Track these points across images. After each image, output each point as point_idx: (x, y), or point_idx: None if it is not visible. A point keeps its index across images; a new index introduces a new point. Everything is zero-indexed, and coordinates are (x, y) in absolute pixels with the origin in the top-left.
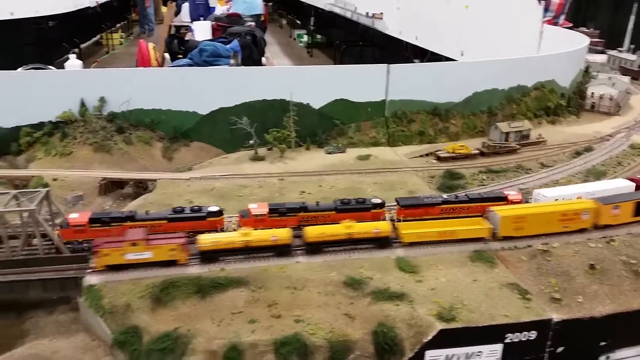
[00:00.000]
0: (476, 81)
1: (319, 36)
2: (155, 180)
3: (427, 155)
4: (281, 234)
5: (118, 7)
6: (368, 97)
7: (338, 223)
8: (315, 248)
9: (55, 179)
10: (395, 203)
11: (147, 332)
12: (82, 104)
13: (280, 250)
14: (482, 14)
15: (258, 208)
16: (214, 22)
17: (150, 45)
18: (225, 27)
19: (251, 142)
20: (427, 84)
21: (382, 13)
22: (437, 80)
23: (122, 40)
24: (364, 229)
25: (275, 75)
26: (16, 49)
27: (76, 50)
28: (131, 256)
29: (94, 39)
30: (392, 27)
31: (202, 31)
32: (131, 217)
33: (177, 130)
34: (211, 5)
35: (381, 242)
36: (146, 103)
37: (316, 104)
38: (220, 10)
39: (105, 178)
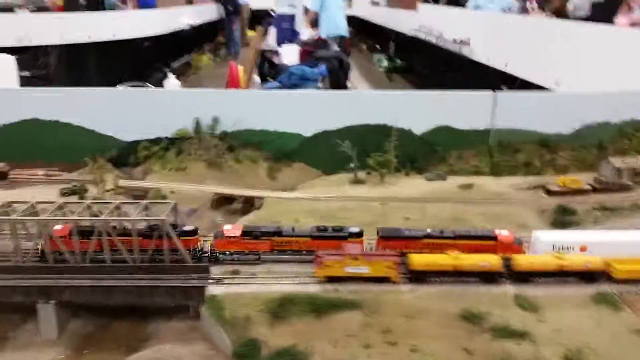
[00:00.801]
0: (587, 113)
1: (399, 61)
2: (262, 197)
3: (535, 188)
4: (493, 260)
5: (206, 30)
6: (471, 124)
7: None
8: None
9: (172, 192)
10: (376, 233)
11: (266, 346)
12: (197, 123)
13: (488, 277)
14: (584, 41)
15: (232, 230)
16: (301, 47)
17: (240, 67)
18: (312, 51)
19: (352, 165)
20: (535, 114)
21: (469, 39)
22: (546, 110)
23: (209, 61)
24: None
25: (378, 99)
26: (114, 67)
27: (173, 68)
28: (350, 269)
29: (184, 59)
30: (479, 53)
31: (289, 55)
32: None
33: (282, 151)
34: (297, 29)
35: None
36: (255, 124)
37: (417, 130)
38: (306, 35)
39: (218, 193)
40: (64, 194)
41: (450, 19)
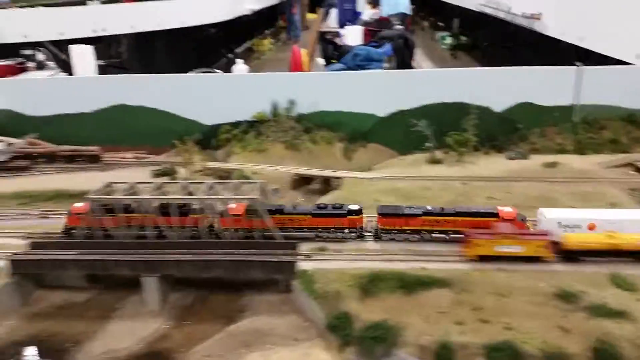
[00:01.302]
0: None
1: (463, 38)
2: (340, 178)
3: (623, 165)
4: None
5: (267, 15)
6: (554, 100)
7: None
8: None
9: (254, 173)
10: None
11: (357, 320)
12: (274, 106)
13: None
14: None
15: (235, 208)
16: (364, 27)
17: (303, 50)
18: (375, 31)
19: (428, 144)
20: (622, 89)
21: (541, 13)
22: (633, 85)
23: (270, 46)
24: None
25: (455, 77)
26: (182, 53)
27: (236, 53)
28: (502, 248)
29: (246, 44)
30: (552, 27)
31: (353, 36)
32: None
33: (356, 132)
34: (358, 10)
35: None
36: (330, 105)
37: (497, 107)
38: (367, 15)
39: (298, 174)
40: (155, 175)
41: None
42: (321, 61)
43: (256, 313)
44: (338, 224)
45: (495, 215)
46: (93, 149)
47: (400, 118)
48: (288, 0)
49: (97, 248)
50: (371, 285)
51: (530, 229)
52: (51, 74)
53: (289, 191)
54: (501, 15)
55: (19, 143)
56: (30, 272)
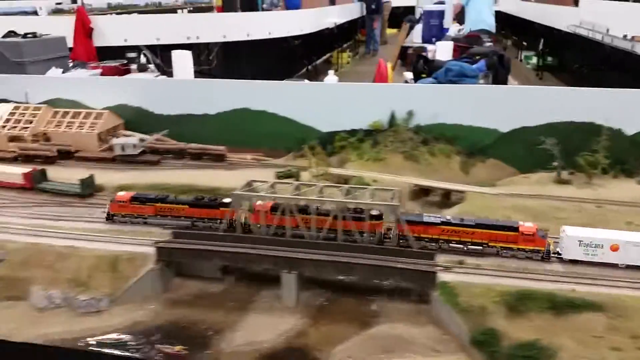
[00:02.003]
0: None
1: (549, 58)
2: (461, 191)
3: None
4: None
5: (348, 29)
6: None
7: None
8: None
9: (375, 181)
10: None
11: (506, 337)
12: (392, 116)
13: None
14: None
15: (262, 205)
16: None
17: (389, 63)
18: (464, 47)
19: (555, 164)
20: None
21: None
22: None
23: (349, 59)
24: None
25: (584, 96)
26: (266, 63)
27: (316, 64)
28: None
29: (325, 57)
30: None
31: (443, 51)
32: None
33: (475, 146)
34: (445, 26)
35: None
36: (449, 118)
37: (629, 130)
38: (453, 31)
39: (417, 185)
40: (279, 176)
41: (621, 14)
42: (409, 75)
43: (391, 320)
44: (360, 228)
45: (515, 229)
46: (220, 148)
47: (523, 135)
48: (369, 15)
49: (236, 241)
50: (519, 303)
51: (550, 245)
52: (153, 77)
53: (407, 202)
54: (597, 37)
55: (150, 139)
56: (174, 260)
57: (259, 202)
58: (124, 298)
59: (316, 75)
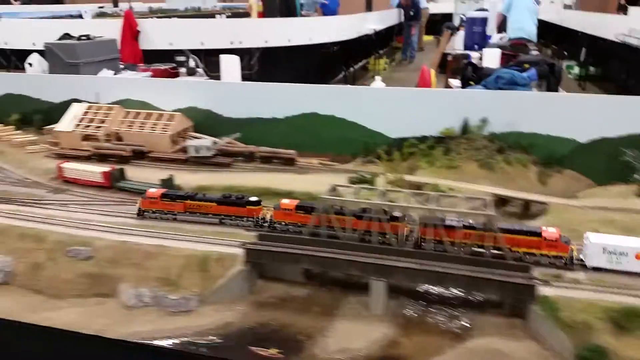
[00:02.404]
0: None
1: (592, 68)
2: (543, 203)
3: None
4: None
5: (384, 35)
6: None
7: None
8: None
9: (450, 189)
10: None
11: (615, 356)
12: (466, 123)
13: None
14: None
15: (288, 203)
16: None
17: (432, 71)
18: (509, 55)
19: (637, 177)
20: None
21: None
22: None
23: (385, 65)
24: None
25: None
26: (304, 68)
27: (352, 71)
28: None
29: (361, 63)
30: None
31: (490, 59)
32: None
33: (552, 156)
34: (488, 34)
35: None
36: (525, 126)
37: None
38: (495, 39)
39: (495, 194)
40: (353, 182)
41: None
42: (456, 82)
43: (486, 334)
44: (381, 229)
45: (538, 234)
46: (290, 152)
47: (602, 145)
48: (407, 22)
49: (322, 246)
50: (626, 320)
51: (574, 251)
52: (202, 80)
53: None
54: None
55: (222, 142)
56: (262, 262)
57: (284, 201)
58: (212, 298)
59: (353, 81)
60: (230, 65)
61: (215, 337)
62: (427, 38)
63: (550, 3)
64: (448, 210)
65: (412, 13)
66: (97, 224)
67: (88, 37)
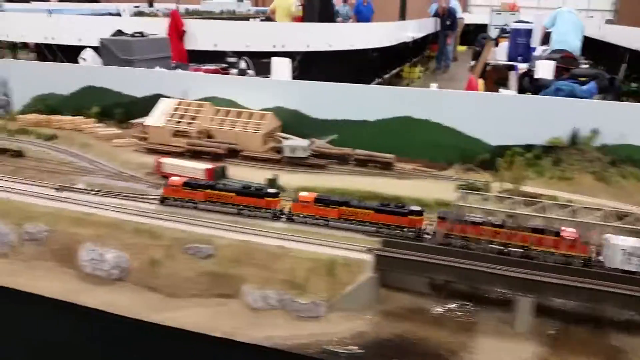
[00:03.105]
0: None
1: (633, 84)
2: None
3: None
4: None
5: (419, 44)
6: None
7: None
8: None
9: (569, 201)
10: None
11: None
12: (575, 133)
13: None
14: None
15: (306, 195)
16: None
17: (480, 81)
18: (560, 68)
19: None
20: None
21: None
22: None
23: (420, 73)
24: None
25: None
26: (341, 74)
27: (386, 78)
28: None
29: (395, 71)
30: None
31: (544, 71)
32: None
33: None
34: (532, 45)
35: None
36: (637, 139)
37: None
38: (539, 51)
39: (617, 209)
40: (459, 189)
41: None
42: (508, 92)
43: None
44: (397, 222)
45: (557, 234)
46: (388, 156)
47: None
48: (443, 31)
49: (453, 256)
50: None
51: (593, 252)
52: (291, 80)
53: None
54: None
55: (318, 143)
56: (393, 270)
57: (302, 193)
58: (340, 305)
59: None
60: (282, 68)
61: (355, 347)
62: (461, 48)
63: (588, 17)
64: (603, 224)
65: (448, 22)
66: (216, 222)
67: (142, 34)
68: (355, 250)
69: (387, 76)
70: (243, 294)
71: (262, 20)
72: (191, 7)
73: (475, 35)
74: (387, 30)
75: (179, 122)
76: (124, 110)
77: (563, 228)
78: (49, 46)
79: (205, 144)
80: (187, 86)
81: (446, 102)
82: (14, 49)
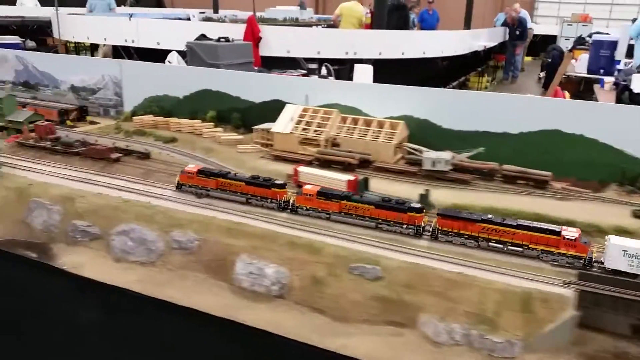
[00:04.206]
0: None
1: None
2: None
3: None
4: None
5: (486, 53)
6: None
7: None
8: None
9: None
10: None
11: None
12: None
13: None
14: None
15: (310, 189)
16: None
17: (566, 92)
18: None
19: None
20: None
21: None
22: None
23: (487, 83)
24: None
25: None
26: (409, 81)
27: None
28: None
29: (461, 79)
30: None
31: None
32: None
33: None
34: (617, 58)
35: None
36: None
37: None
38: (623, 64)
39: None
40: (636, 215)
41: None
42: None
43: None
44: (397, 219)
45: (557, 233)
46: (545, 173)
47: None
48: (511, 41)
49: None
50: None
51: (593, 253)
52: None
53: None
54: None
55: (462, 156)
56: (602, 309)
57: (306, 186)
58: (537, 346)
59: None
60: (364, 75)
61: None
62: (526, 59)
63: None
64: None
65: (518, 32)
66: (379, 240)
67: (227, 39)
68: (550, 284)
69: (453, 85)
70: (421, 325)
71: (324, 27)
72: (257, 14)
73: (541, 46)
74: (461, 38)
75: (305, 129)
76: (240, 115)
77: (564, 227)
78: (125, 48)
79: (337, 153)
80: (307, 92)
81: (607, 117)
82: (77, 49)
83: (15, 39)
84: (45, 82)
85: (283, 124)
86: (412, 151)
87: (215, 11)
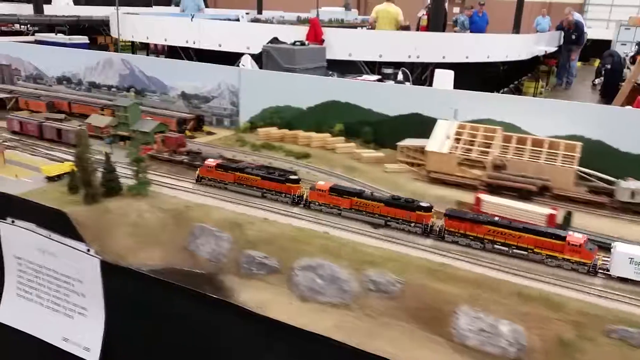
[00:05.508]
0: None
1: None
2: None
3: None
4: None
5: (535, 59)
6: None
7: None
8: None
9: None
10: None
11: None
12: None
13: None
14: None
15: (322, 184)
16: None
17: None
18: None
19: None
20: None
21: None
22: None
23: (542, 89)
24: None
25: None
26: (467, 85)
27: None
28: None
29: (512, 84)
30: None
31: None
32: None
33: None
34: None
35: None
36: None
37: None
38: None
39: None
40: None
41: None
42: None
43: None
44: (405, 217)
45: (562, 238)
46: None
47: None
48: (566, 46)
49: None
50: None
51: (598, 259)
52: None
53: None
54: None
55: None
56: None
57: (320, 182)
58: None
59: None
60: (446, 80)
61: None
62: (578, 64)
63: None
64: None
65: (573, 37)
66: (624, 295)
67: (302, 42)
68: None
69: (505, 90)
70: None
71: (367, 29)
72: (303, 14)
73: (591, 51)
74: (523, 43)
75: (467, 149)
76: (372, 129)
77: (570, 233)
78: (184, 49)
79: (511, 178)
80: (455, 106)
81: None
82: (133, 48)
83: (83, 39)
84: (152, 87)
85: (439, 142)
86: (589, 177)
87: (260, 12)
